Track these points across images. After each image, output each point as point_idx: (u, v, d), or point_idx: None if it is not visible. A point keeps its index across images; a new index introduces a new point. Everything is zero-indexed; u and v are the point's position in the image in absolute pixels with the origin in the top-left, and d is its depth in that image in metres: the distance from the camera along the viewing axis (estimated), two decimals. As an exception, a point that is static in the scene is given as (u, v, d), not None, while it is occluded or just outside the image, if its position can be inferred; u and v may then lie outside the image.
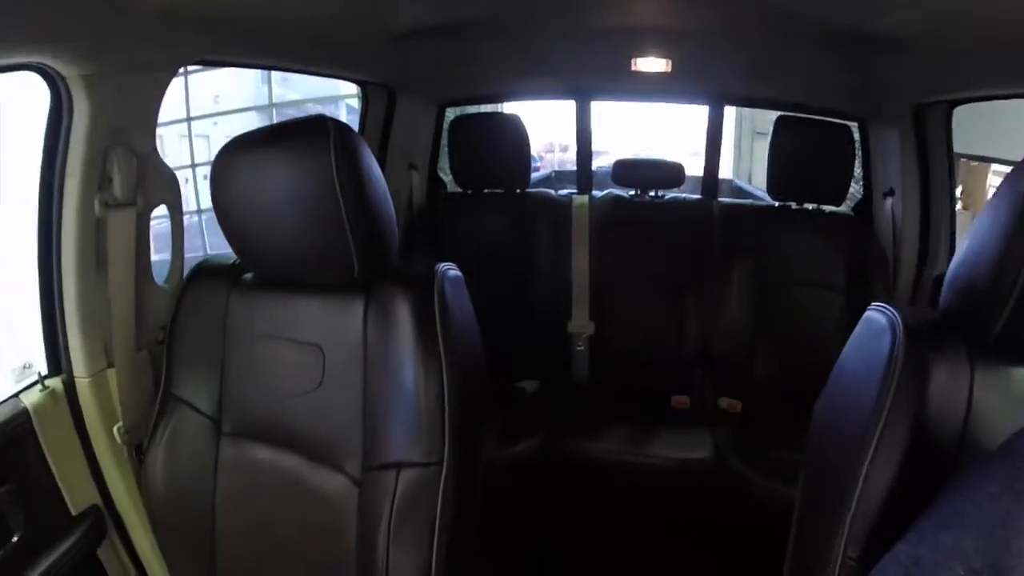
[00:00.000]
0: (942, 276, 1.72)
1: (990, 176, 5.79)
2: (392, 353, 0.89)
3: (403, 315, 0.89)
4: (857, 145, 1.91)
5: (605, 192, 2.12)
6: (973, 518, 0.51)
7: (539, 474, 1.67)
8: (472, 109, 2.48)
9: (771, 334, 1.89)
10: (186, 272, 1.07)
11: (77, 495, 1.02)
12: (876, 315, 0.78)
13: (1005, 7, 1.04)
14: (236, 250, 0.94)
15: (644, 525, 1.87)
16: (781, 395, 1.87)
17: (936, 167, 1.77)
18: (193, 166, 4.89)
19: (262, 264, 0.96)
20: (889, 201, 1.88)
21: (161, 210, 1.10)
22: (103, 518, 1.05)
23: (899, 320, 0.73)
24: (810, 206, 1.93)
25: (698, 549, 1.80)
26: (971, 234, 0.71)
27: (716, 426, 1.77)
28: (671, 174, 2.03)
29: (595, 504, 1.88)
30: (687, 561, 1.79)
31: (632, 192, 2.07)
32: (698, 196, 2.12)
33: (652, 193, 2.05)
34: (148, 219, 1.07)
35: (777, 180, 1.91)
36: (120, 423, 1.04)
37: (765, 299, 1.90)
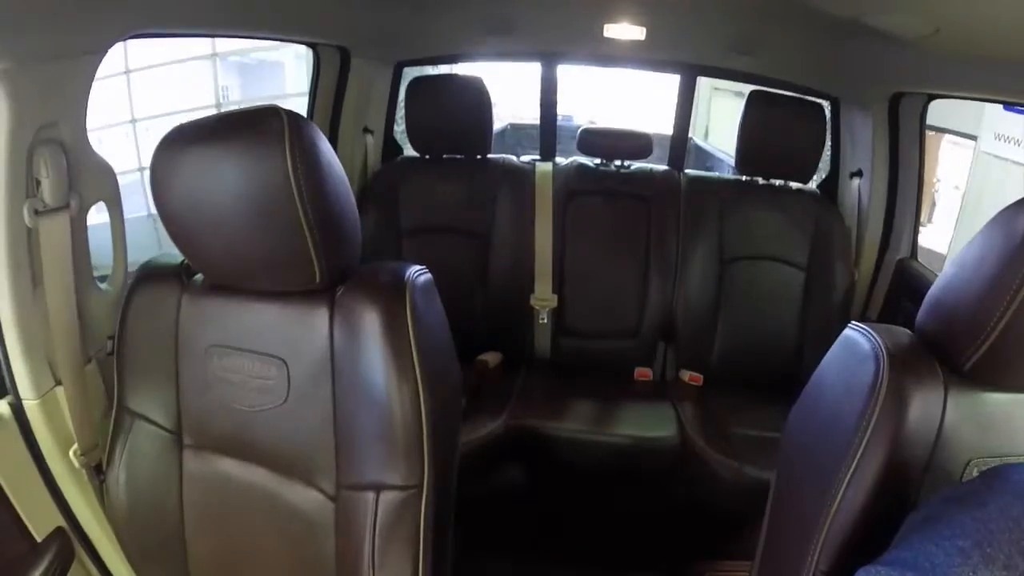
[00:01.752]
0: (904, 260, 1.76)
1: (944, 146, 5.93)
2: (363, 368, 0.83)
3: (372, 328, 0.82)
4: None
5: (569, 160, 2.07)
6: (942, 571, 0.51)
7: (503, 453, 1.66)
8: (432, 71, 2.36)
9: (732, 308, 1.91)
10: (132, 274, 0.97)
11: (39, 520, 0.96)
12: (858, 338, 0.78)
13: (991, 27, 1.04)
14: (184, 254, 0.86)
15: (608, 503, 1.90)
16: (741, 369, 1.93)
17: (907, 154, 1.78)
18: (133, 121, 4.59)
19: (214, 270, 0.87)
20: (856, 182, 1.89)
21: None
22: (69, 540, 0.99)
23: (882, 349, 0.73)
24: (777, 182, 1.93)
25: (661, 527, 1.84)
26: (957, 261, 0.73)
27: (679, 402, 1.79)
28: (639, 145, 1.98)
29: (560, 482, 1.89)
30: (651, 538, 1.84)
31: (597, 161, 2.03)
32: (664, 167, 2.09)
33: (618, 162, 2.01)
34: (84, 221, 0.97)
35: (746, 154, 1.90)
36: (75, 445, 0.97)
37: (728, 273, 1.91)
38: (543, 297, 1.95)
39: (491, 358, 1.93)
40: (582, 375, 1.93)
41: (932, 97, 1.68)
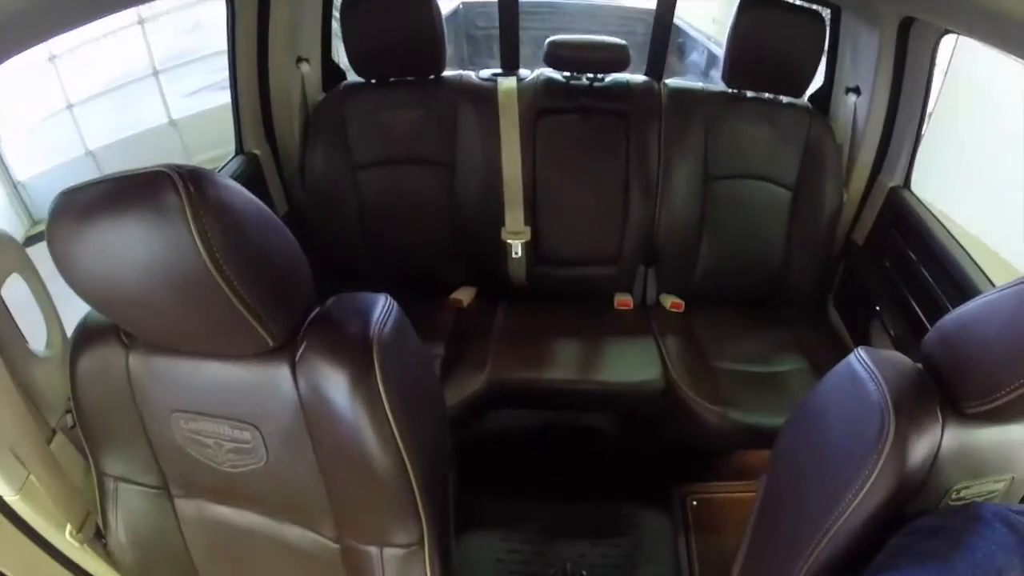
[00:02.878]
0: (897, 189, 1.65)
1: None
2: (340, 433, 0.76)
3: (340, 395, 0.74)
4: None
5: (535, 74, 1.86)
6: None
7: (487, 406, 1.60)
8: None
9: (716, 228, 1.81)
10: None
11: None
12: (863, 377, 0.78)
13: None
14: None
15: (593, 440, 1.90)
16: (723, 290, 1.87)
17: (913, 78, 1.62)
18: (70, 107, 4.31)
19: (147, 337, 0.78)
20: (852, 98, 1.75)
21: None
22: None
23: (888, 400, 0.73)
24: (767, 95, 1.78)
25: (644, 457, 1.86)
26: (986, 304, 0.72)
27: (663, 336, 1.73)
28: (615, 56, 1.77)
29: (544, 425, 1.88)
30: (635, 468, 1.84)
31: (567, 74, 1.82)
32: (642, 77, 1.90)
33: (590, 75, 1.81)
34: (0, 299, 0.88)
35: (735, 65, 1.72)
36: (68, 527, 0.94)
37: (712, 191, 1.79)
38: (515, 229, 1.81)
39: (465, 295, 1.84)
40: (561, 308, 1.84)
41: (945, 33, 1.51)
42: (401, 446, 0.76)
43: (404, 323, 0.82)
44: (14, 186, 3.60)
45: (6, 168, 3.53)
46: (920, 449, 0.72)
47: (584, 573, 1.58)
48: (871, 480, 0.72)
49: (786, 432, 0.98)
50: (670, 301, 1.85)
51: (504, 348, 1.66)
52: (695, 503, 1.77)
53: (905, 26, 1.58)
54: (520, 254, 1.82)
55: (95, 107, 3.95)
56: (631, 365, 1.64)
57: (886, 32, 1.60)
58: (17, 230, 3.55)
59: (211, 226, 0.62)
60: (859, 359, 0.81)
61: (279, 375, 0.75)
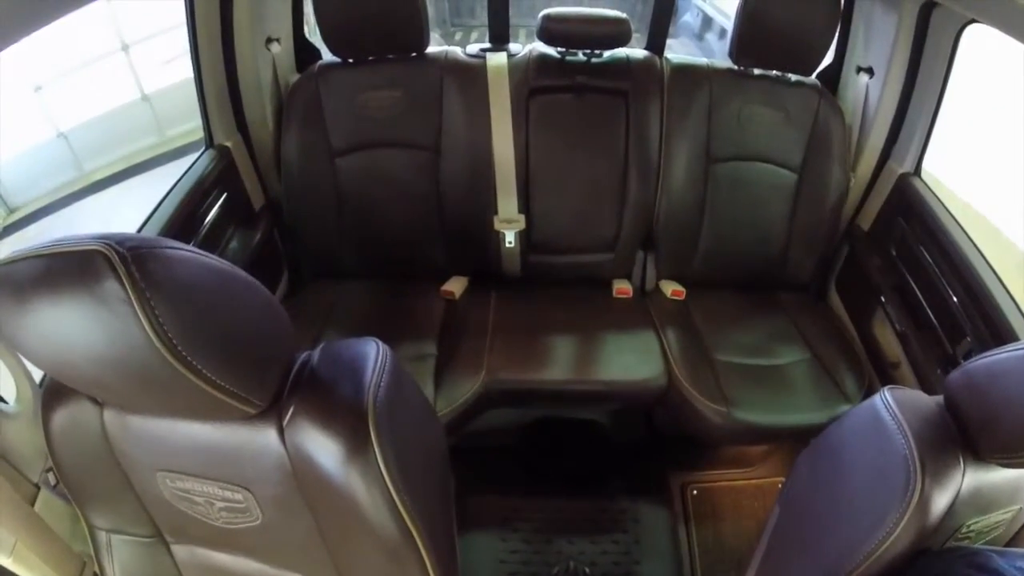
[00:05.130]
0: (907, 177, 1.57)
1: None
2: (337, 502, 0.70)
3: (336, 465, 0.67)
4: None
5: (527, 49, 1.73)
6: None
7: (484, 407, 1.53)
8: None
9: (717, 211, 1.73)
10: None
11: None
12: (888, 424, 0.78)
13: None
14: None
15: (593, 435, 1.85)
16: (723, 274, 1.81)
17: (932, 64, 1.52)
18: (39, 88, 4.13)
19: (117, 403, 0.72)
20: (864, 78, 1.65)
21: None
22: None
23: (915, 453, 0.73)
24: (774, 72, 1.67)
25: (644, 450, 1.82)
26: (1018, 358, 0.72)
27: (663, 327, 1.65)
28: (614, 31, 1.63)
29: (543, 423, 1.83)
30: (634, 460, 1.81)
31: (561, 49, 1.70)
32: (643, 52, 1.77)
33: (587, 50, 1.68)
34: None
35: (744, 42, 1.61)
36: None
37: (714, 173, 1.70)
38: (508, 217, 1.71)
39: (456, 286, 1.76)
40: (558, 297, 1.76)
41: (969, 22, 1.40)
42: (404, 513, 0.71)
43: (399, 374, 0.75)
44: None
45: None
46: (942, 502, 0.73)
47: (586, 570, 1.56)
48: (893, 535, 0.73)
49: (803, 465, 0.96)
50: (671, 288, 1.78)
51: (499, 347, 1.58)
52: (695, 492, 1.75)
53: (926, 10, 1.48)
54: (514, 243, 1.73)
55: (65, 86, 3.80)
56: (632, 362, 1.57)
57: (906, 14, 1.50)
58: (-8, 220, 3.46)
59: (162, 310, 0.54)
60: (884, 403, 0.80)
61: (266, 438, 0.69)
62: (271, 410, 0.68)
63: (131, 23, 3.88)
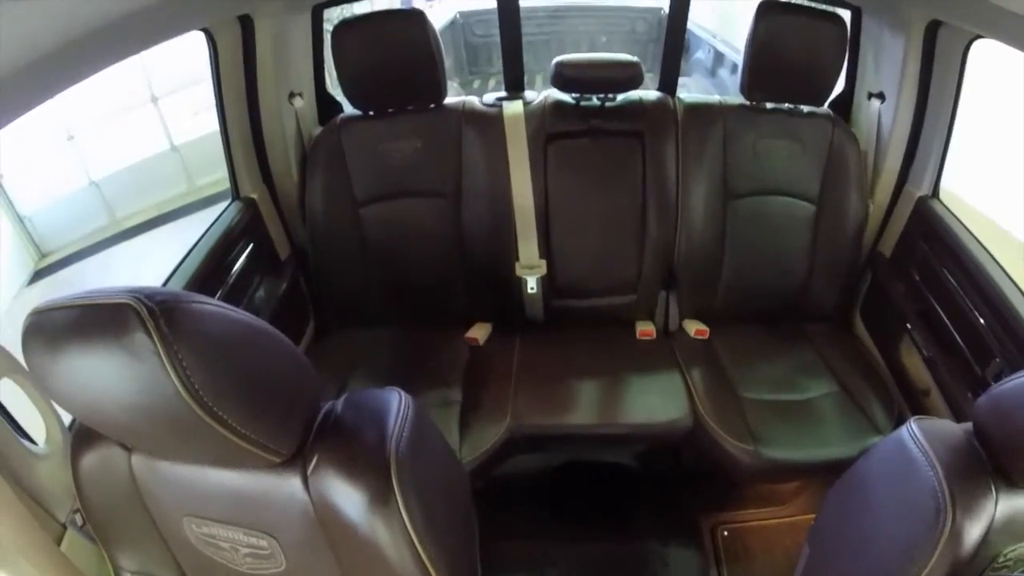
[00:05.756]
0: (925, 200, 1.57)
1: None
2: (362, 550, 0.71)
3: (360, 513, 0.69)
4: None
5: (542, 96, 1.77)
6: None
7: (509, 453, 1.52)
8: (360, 8, 2.04)
9: (737, 247, 1.73)
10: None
11: None
12: (916, 457, 0.76)
13: None
14: None
15: (621, 477, 1.82)
16: (747, 309, 1.79)
17: (942, 84, 1.52)
18: (71, 138, 4.31)
19: (144, 449, 0.74)
20: (876, 104, 1.65)
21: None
22: None
23: (945, 487, 0.72)
24: (786, 105, 1.68)
25: (672, 489, 1.80)
26: None
27: (688, 367, 1.64)
28: (626, 74, 1.66)
29: (569, 467, 1.81)
30: (662, 500, 1.78)
31: (576, 95, 1.73)
32: (656, 93, 1.80)
33: (600, 95, 1.71)
34: None
35: (755, 77, 1.63)
36: None
37: (733, 209, 1.70)
38: (529, 263, 1.73)
39: (480, 333, 1.76)
40: (581, 340, 1.75)
41: (975, 38, 1.41)
42: (427, 561, 0.72)
43: (421, 422, 0.77)
44: (20, 220, 3.61)
45: (11, 202, 3.54)
46: (976, 532, 0.71)
47: None
48: (926, 570, 0.72)
49: (831, 501, 0.95)
50: (694, 328, 1.76)
51: (524, 392, 1.58)
52: (725, 533, 1.70)
53: (932, 30, 1.49)
54: (536, 289, 1.74)
55: (97, 136, 3.95)
56: (657, 404, 1.55)
57: (912, 36, 1.51)
58: (26, 264, 3.57)
59: (189, 362, 0.56)
60: (911, 434, 0.79)
61: (291, 486, 0.70)
62: (296, 459, 0.69)
63: (161, 76, 4.04)
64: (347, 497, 0.69)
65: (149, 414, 0.59)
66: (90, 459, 0.78)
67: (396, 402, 0.76)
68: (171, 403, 0.57)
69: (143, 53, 1.10)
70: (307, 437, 0.71)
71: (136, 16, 0.93)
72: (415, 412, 0.76)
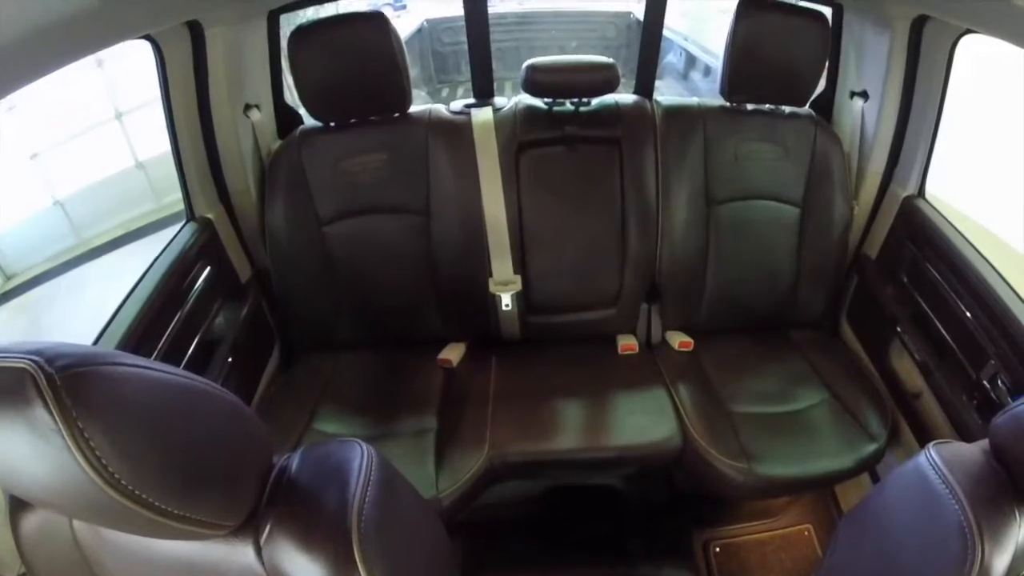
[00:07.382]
0: (911, 199, 1.49)
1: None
2: None
3: None
4: None
5: (513, 102, 1.69)
6: None
7: (490, 482, 1.45)
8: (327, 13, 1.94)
9: (721, 255, 1.67)
10: None
11: None
12: (938, 489, 0.72)
13: None
14: None
15: (608, 499, 1.76)
16: (731, 318, 1.73)
17: (927, 81, 1.48)
18: (35, 156, 4.19)
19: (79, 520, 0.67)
20: (859, 103, 1.61)
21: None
22: None
23: (970, 515, 0.68)
24: (767, 106, 1.63)
25: (662, 509, 1.74)
26: None
27: (674, 383, 1.57)
28: (601, 77, 1.59)
29: (549, 495, 1.74)
30: (652, 520, 1.73)
31: (548, 100, 1.66)
32: (632, 96, 1.74)
33: (575, 99, 1.64)
34: None
35: (735, 78, 1.57)
36: None
37: (715, 216, 1.64)
38: (503, 279, 1.65)
39: (453, 354, 1.68)
40: (561, 358, 1.67)
41: (964, 33, 1.37)
42: None
43: (386, 477, 0.69)
44: (-18, 243, 3.49)
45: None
46: (1003, 563, 0.68)
47: None
48: None
49: (843, 536, 0.91)
50: (678, 340, 1.70)
51: (502, 418, 1.50)
52: (717, 550, 1.65)
53: (918, 25, 1.44)
54: (511, 306, 1.66)
55: (61, 154, 3.83)
56: (644, 423, 1.48)
57: (897, 32, 1.47)
58: (-11, 287, 3.45)
59: (98, 441, 0.47)
60: (931, 463, 0.75)
61: (244, 556, 0.62)
62: (248, 525, 0.62)
63: (126, 92, 3.93)
64: (304, 570, 0.61)
65: (66, 497, 0.50)
66: (30, 523, 0.70)
67: (358, 458, 0.68)
68: (84, 487, 0.48)
69: (106, 68, 1.01)
70: (259, 500, 0.63)
71: (68, 22, 0.84)
72: (379, 467, 0.68)
